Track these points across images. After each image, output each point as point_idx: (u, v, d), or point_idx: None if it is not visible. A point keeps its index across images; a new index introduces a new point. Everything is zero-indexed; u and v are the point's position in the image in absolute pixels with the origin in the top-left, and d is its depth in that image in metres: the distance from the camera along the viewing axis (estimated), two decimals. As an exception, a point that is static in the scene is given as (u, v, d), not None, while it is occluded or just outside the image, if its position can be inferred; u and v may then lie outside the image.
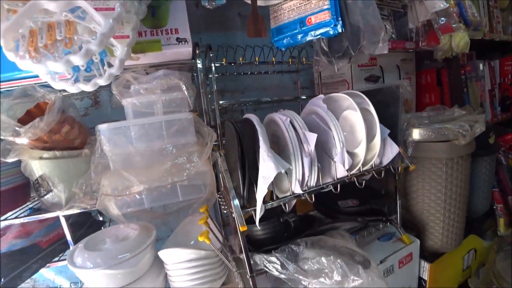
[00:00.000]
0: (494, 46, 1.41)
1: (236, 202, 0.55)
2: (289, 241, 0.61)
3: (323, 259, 0.50)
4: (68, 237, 0.70)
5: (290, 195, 0.59)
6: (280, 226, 0.66)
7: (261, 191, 0.51)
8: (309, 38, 0.77)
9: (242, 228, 0.52)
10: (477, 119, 0.74)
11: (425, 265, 0.82)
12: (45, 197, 0.66)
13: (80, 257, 0.60)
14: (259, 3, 0.73)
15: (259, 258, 0.57)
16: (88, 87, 0.57)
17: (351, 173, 0.64)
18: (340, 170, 0.63)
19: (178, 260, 0.63)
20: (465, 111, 0.81)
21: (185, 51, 0.70)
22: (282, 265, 0.54)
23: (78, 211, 0.66)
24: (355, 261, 0.51)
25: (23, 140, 0.61)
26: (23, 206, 0.73)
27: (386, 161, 0.68)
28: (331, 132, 0.61)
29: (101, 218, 0.91)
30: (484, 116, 0.76)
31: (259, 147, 0.54)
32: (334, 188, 0.62)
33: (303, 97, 1.04)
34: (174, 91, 0.70)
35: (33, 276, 0.73)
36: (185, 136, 0.68)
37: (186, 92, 0.70)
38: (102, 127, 0.63)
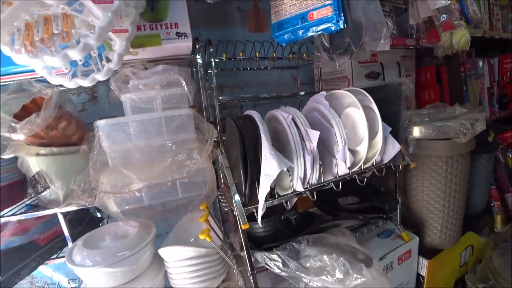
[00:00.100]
0: (494, 44, 1.41)
1: (238, 199, 0.54)
2: (290, 238, 0.61)
3: (325, 257, 0.50)
4: (66, 234, 0.69)
5: (292, 192, 0.59)
6: (281, 223, 0.66)
7: (263, 189, 0.51)
8: (310, 33, 0.76)
9: (244, 226, 0.52)
10: (478, 117, 0.74)
11: (424, 262, 0.83)
12: (43, 194, 0.65)
13: (79, 255, 0.59)
14: (261, -3, 0.72)
15: (260, 256, 0.57)
16: (86, 82, 0.56)
17: (352, 170, 0.64)
18: (341, 167, 0.62)
19: (178, 258, 0.63)
20: (466, 109, 0.81)
21: (185, 45, 0.69)
22: (284, 263, 0.54)
23: (76, 208, 0.66)
24: (358, 259, 0.51)
25: (19, 136, 0.60)
26: (20, 202, 0.72)
27: (387, 158, 0.68)
28: (333, 130, 0.60)
29: (99, 215, 0.90)
30: (484, 114, 0.76)
31: (261, 145, 0.54)
32: (336, 186, 0.62)
33: (302, 93, 1.04)
34: (174, 87, 0.69)
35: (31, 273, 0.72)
36: (185, 132, 0.68)
37: (186, 88, 0.69)
38: (101, 123, 0.62)
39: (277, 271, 0.55)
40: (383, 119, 0.64)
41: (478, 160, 0.91)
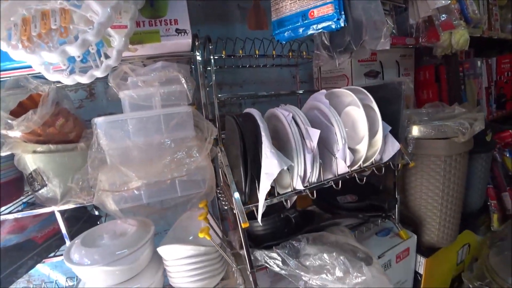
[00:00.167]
0: (492, 44, 1.42)
1: (238, 198, 0.54)
2: (289, 237, 0.61)
3: (325, 255, 0.50)
4: (64, 232, 0.69)
5: (292, 191, 0.59)
6: (280, 221, 0.66)
7: (264, 188, 0.51)
8: (310, 31, 0.76)
9: (244, 224, 0.52)
10: (477, 117, 0.75)
11: (421, 260, 0.84)
12: (40, 191, 0.64)
13: (77, 253, 0.59)
14: (261, -6, 0.72)
15: (259, 254, 0.57)
16: (84, 79, 0.55)
17: (351, 169, 0.64)
18: (341, 166, 0.62)
19: (177, 257, 0.62)
20: (464, 109, 0.81)
21: (184, 42, 0.68)
22: (283, 261, 0.54)
23: (74, 206, 0.65)
24: (358, 258, 0.52)
25: (16, 133, 0.59)
26: (17, 200, 0.71)
27: (386, 157, 0.68)
28: (333, 128, 0.60)
29: (97, 213, 0.90)
30: (483, 114, 0.77)
31: (261, 143, 0.53)
32: (335, 184, 0.62)
33: (300, 91, 1.04)
34: (173, 84, 0.68)
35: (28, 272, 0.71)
36: (184, 130, 0.67)
37: (185, 85, 0.68)
38: (99, 120, 0.61)
39: (277, 269, 0.55)
40: (383, 118, 0.64)
41: (476, 159, 0.92)
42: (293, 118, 0.58)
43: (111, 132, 0.62)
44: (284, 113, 0.58)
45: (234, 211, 0.56)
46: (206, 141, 0.66)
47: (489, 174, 1.05)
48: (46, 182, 0.64)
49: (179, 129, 0.66)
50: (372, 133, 0.63)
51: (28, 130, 0.59)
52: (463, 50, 1.08)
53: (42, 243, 0.72)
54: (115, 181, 0.60)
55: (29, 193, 0.73)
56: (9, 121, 0.57)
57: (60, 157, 0.64)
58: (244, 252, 0.59)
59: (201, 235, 0.56)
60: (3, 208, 0.66)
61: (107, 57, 0.56)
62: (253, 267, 0.59)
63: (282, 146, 0.60)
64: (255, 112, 0.58)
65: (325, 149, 0.64)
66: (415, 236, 0.82)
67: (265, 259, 0.56)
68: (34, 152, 0.62)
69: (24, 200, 0.73)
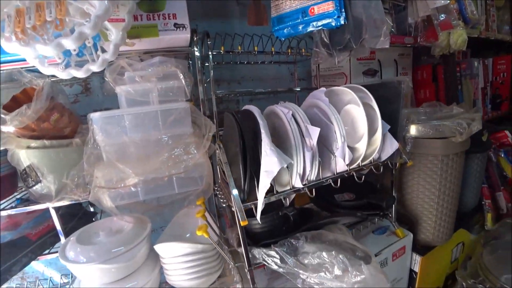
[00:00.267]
0: (488, 45, 1.43)
1: (237, 196, 0.54)
2: (287, 234, 0.60)
3: (324, 254, 0.50)
4: (59, 229, 0.68)
5: (290, 189, 0.58)
6: (278, 219, 0.65)
7: (263, 186, 0.50)
8: (310, 28, 0.75)
9: (243, 222, 0.51)
10: (474, 117, 0.75)
11: (417, 258, 0.84)
12: (34, 188, 0.63)
13: (72, 251, 0.58)
14: (262, -10, 0.71)
15: (257, 252, 0.57)
16: (80, 73, 0.54)
17: (350, 167, 0.64)
18: (340, 164, 0.62)
19: (174, 254, 0.62)
20: (462, 109, 0.82)
21: (183, 37, 0.67)
22: (282, 259, 0.54)
23: (69, 202, 0.64)
24: (357, 257, 0.52)
25: (9, 128, 0.57)
26: (11, 197, 0.69)
27: (385, 156, 0.68)
28: (333, 126, 0.60)
29: (92, 209, 0.89)
30: (480, 115, 0.77)
31: (260, 140, 0.53)
32: (334, 183, 0.62)
33: (297, 89, 1.03)
34: (171, 79, 0.67)
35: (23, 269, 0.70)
36: (182, 126, 0.66)
37: (183, 81, 0.67)
38: (95, 116, 0.60)
39: (275, 267, 0.55)
40: (381, 117, 0.64)
41: (472, 159, 0.93)
42: (293, 115, 0.57)
43: (107, 128, 0.61)
44: (284, 110, 0.57)
45: (232, 209, 0.55)
46: (204, 138, 0.66)
47: (484, 174, 1.06)
48: (41, 178, 0.62)
49: (176, 126, 0.65)
50: (371, 132, 0.63)
51: (22, 125, 0.58)
52: (460, 50, 1.09)
53: (36, 240, 0.71)
54: (112, 178, 0.59)
55: (23, 189, 0.71)
56: (2, 115, 0.56)
57: (54, 153, 0.63)
58: (242, 250, 0.59)
59: (199, 233, 0.55)
60: (-4, 205, 0.65)
61: (103, 51, 0.55)
62: (251, 265, 0.59)
63: (281, 143, 0.60)
64: (254, 109, 0.57)
65: (324, 147, 0.63)
66: (411, 235, 0.82)
67: (263, 257, 0.56)
68: (28, 147, 0.61)
69: (18, 197, 0.71)
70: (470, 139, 0.80)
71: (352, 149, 0.64)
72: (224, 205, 0.65)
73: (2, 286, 0.63)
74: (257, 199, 0.55)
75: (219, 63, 0.93)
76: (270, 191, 0.58)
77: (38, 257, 0.70)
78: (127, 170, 0.58)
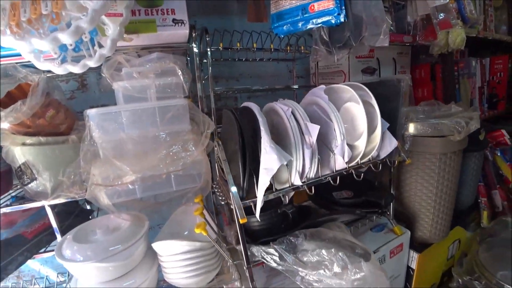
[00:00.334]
0: (485, 44, 1.44)
1: (236, 193, 0.53)
2: (286, 232, 0.60)
3: (323, 251, 0.50)
4: (55, 227, 0.67)
5: (289, 186, 0.58)
6: (277, 217, 0.65)
7: (263, 183, 0.50)
8: (310, 26, 0.75)
9: (242, 220, 0.51)
10: (472, 116, 0.76)
11: (414, 255, 0.85)
12: (29, 185, 0.62)
13: (69, 249, 0.57)
14: (261, -14, 0.70)
15: (256, 250, 0.57)
16: (77, 69, 0.53)
17: (349, 165, 0.64)
18: (339, 162, 0.62)
19: (173, 252, 0.61)
20: (460, 108, 0.82)
21: (181, 33, 0.66)
22: (281, 257, 0.54)
23: (65, 200, 0.63)
24: (357, 254, 0.52)
25: (4, 125, 0.56)
26: (6, 194, 0.68)
27: (383, 154, 0.68)
28: (332, 124, 0.60)
29: (88, 207, 0.88)
30: (478, 113, 0.78)
31: (259, 137, 0.53)
32: (333, 180, 0.62)
33: (295, 86, 1.03)
34: (169, 76, 0.67)
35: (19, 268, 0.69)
36: (180, 123, 0.66)
37: (181, 77, 0.67)
38: (91, 112, 0.59)
39: (274, 265, 0.55)
40: (381, 115, 0.64)
41: (469, 157, 0.93)
42: (292, 113, 0.57)
43: (104, 125, 0.60)
44: (284, 107, 0.57)
45: (231, 206, 0.55)
46: (203, 135, 0.65)
47: (481, 173, 1.07)
48: (36, 176, 0.61)
49: (174, 122, 0.65)
50: (370, 130, 0.63)
51: (16, 121, 0.56)
52: (458, 49, 1.09)
53: (32, 238, 0.70)
54: (109, 175, 0.58)
55: (18, 187, 0.70)
56: (-3, 111, 0.55)
57: (50, 149, 0.62)
58: (240, 247, 0.59)
59: (197, 231, 0.55)
60: (-9, 202, 0.64)
61: (100, 46, 0.54)
62: (250, 262, 0.59)
63: (280, 141, 0.60)
64: (253, 106, 0.57)
65: (323, 145, 0.63)
66: (409, 232, 0.83)
67: (262, 255, 0.56)
68: (23, 144, 0.60)
69: (13, 194, 0.70)
70: (468, 137, 0.81)
71: (351, 146, 0.64)
72: (222, 203, 0.64)
73: (-2, 285, 0.63)
74: (256, 197, 0.54)
75: (217, 59, 0.92)
76: (269, 189, 0.58)
77: (34, 256, 0.70)
78: (125, 167, 0.57)
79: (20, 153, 0.60)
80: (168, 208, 0.74)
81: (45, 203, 0.63)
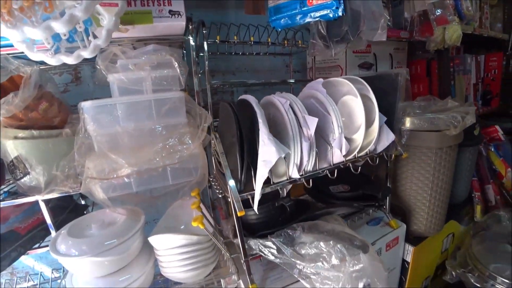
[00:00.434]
0: (480, 41, 1.45)
1: (234, 186, 0.53)
2: (283, 225, 0.60)
3: (321, 243, 0.50)
4: (49, 222, 0.66)
5: (287, 179, 0.58)
6: (275, 210, 0.65)
7: (261, 176, 0.50)
8: (308, 19, 0.74)
9: (240, 213, 0.51)
10: (468, 110, 0.76)
11: (409, 248, 0.86)
12: (22, 180, 0.61)
13: (63, 244, 0.56)
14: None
15: (254, 243, 0.57)
16: (71, 59, 0.52)
17: (347, 158, 0.64)
18: (336, 155, 0.62)
19: (169, 246, 0.61)
20: (457, 102, 0.83)
21: (178, 25, 0.65)
22: (279, 250, 0.54)
23: (59, 195, 0.62)
24: (355, 246, 0.52)
25: (-5, 117, 0.55)
26: (-2, 189, 0.67)
27: (381, 148, 0.68)
28: (330, 117, 0.60)
29: (83, 202, 0.87)
30: (474, 108, 0.78)
31: (257, 130, 0.52)
32: (331, 173, 0.62)
33: (292, 80, 1.03)
34: (165, 68, 0.66)
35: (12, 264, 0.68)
36: (176, 116, 0.65)
37: (178, 70, 0.66)
38: (86, 105, 0.58)
39: (272, 258, 0.55)
40: (378, 109, 0.64)
41: (464, 152, 0.94)
42: (290, 105, 0.56)
43: (99, 117, 0.59)
44: (281, 100, 0.56)
45: (228, 200, 0.55)
46: (199, 128, 0.64)
47: (475, 168, 1.08)
48: (29, 170, 0.60)
49: (171, 115, 0.64)
50: (368, 123, 0.63)
51: (8, 114, 0.55)
52: (454, 45, 1.10)
53: (26, 233, 0.69)
54: (104, 168, 0.57)
55: (11, 181, 0.69)
56: (-12, 103, 0.53)
57: (43, 143, 0.61)
58: (237, 241, 0.59)
59: (194, 224, 0.55)
60: (-18, 197, 0.63)
61: (95, 37, 0.53)
62: (247, 256, 0.58)
63: (277, 134, 0.59)
64: (251, 98, 0.56)
65: (320, 138, 0.63)
66: (405, 226, 0.84)
67: (260, 248, 0.56)
68: (16, 138, 0.58)
69: (6, 189, 0.69)
70: (463, 132, 0.82)
71: (349, 140, 0.64)
72: (220, 196, 0.64)
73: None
74: (253, 190, 0.54)
75: (213, 53, 0.91)
76: (266, 182, 0.58)
77: (28, 252, 0.69)
78: (120, 160, 0.56)
79: (13, 147, 0.59)
80: (163, 202, 0.74)
81: (39, 198, 0.62)
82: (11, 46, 0.54)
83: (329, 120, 0.60)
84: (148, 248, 0.66)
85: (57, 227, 0.66)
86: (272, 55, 1.06)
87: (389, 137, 0.66)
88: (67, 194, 0.62)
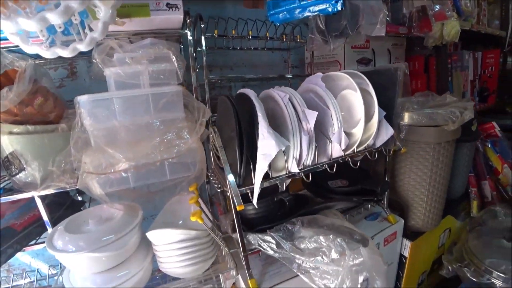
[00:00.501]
0: (477, 38, 1.45)
1: (233, 180, 0.53)
2: (282, 220, 0.60)
3: (321, 238, 0.50)
4: (46, 218, 0.65)
5: (286, 173, 0.58)
6: (274, 205, 0.65)
7: (260, 169, 0.49)
8: (307, 14, 0.74)
9: (239, 207, 0.50)
10: (467, 106, 0.76)
11: (407, 243, 0.86)
12: (17, 176, 0.60)
13: (60, 240, 0.56)
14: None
15: (253, 238, 0.57)
16: (67, 52, 0.51)
17: (346, 153, 0.64)
18: (335, 149, 0.62)
19: (167, 241, 0.61)
20: (455, 98, 0.83)
21: (175, 19, 0.64)
22: (278, 244, 0.54)
23: (55, 191, 0.61)
24: (355, 240, 0.52)
25: (-11, 112, 0.54)
26: (-8, 185, 0.66)
27: (379, 142, 0.68)
28: (329, 111, 0.60)
29: (80, 198, 0.86)
30: (472, 104, 0.79)
31: (257, 124, 0.52)
32: (330, 168, 0.62)
33: (290, 75, 1.03)
34: (162, 62, 0.65)
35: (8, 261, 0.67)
36: (174, 111, 0.64)
37: (175, 63, 0.65)
38: (82, 99, 0.57)
39: (271, 252, 0.55)
40: (377, 104, 0.64)
41: (461, 148, 0.95)
42: (290, 99, 0.56)
43: (96, 112, 0.58)
44: (281, 94, 0.56)
45: (228, 194, 0.54)
46: (198, 122, 0.64)
47: (472, 163, 1.09)
48: (24, 166, 0.59)
49: (168, 110, 0.63)
50: (367, 118, 0.63)
51: (3, 109, 0.54)
52: (452, 42, 1.10)
53: (22, 230, 0.68)
54: (101, 163, 0.56)
55: (6, 178, 0.68)
56: (-19, 97, 0.52)
57: (39, 138, 0.60)
58: (236, 235, 0.58)
59: (193, 219, 0.54)
60: (-23, 193, 0.62)
61: (91, 30, 0.52)
62: (246, 250, 0.58)
63: (277, 127, 0.59)
64: (250, 92, 0.56)
65: (319, 133, 0.63)
66: (402, 221, 0.84)
67: (259, 243, 0.56)
68: (10, 133, 0.57)
69: (1, 186, 0.68)
70: (461, 128, 0.82)
71: (348, 134, 0.63)
72: (218, 190, 0.63)
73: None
74: (252, 184, 0.54)
75: (211, 48, 0.91)
76: (265, 176, 0.58)
77: (24, 248, 0.68)
78: (117, 154, 0.56)
79: (8, 142, 0.58)
80: (161, 198, 0.73)
81: (35, 194, 0.61)
82: (6, 39, 0.53)
83: (329, 114, 0.60)
84: (146, 244, 0.65)
85: (54, 224, 0.65)
86: (270, 50, 1.06)
87: (388, 131, 0.66)
88: (63, 190, 0.61)
